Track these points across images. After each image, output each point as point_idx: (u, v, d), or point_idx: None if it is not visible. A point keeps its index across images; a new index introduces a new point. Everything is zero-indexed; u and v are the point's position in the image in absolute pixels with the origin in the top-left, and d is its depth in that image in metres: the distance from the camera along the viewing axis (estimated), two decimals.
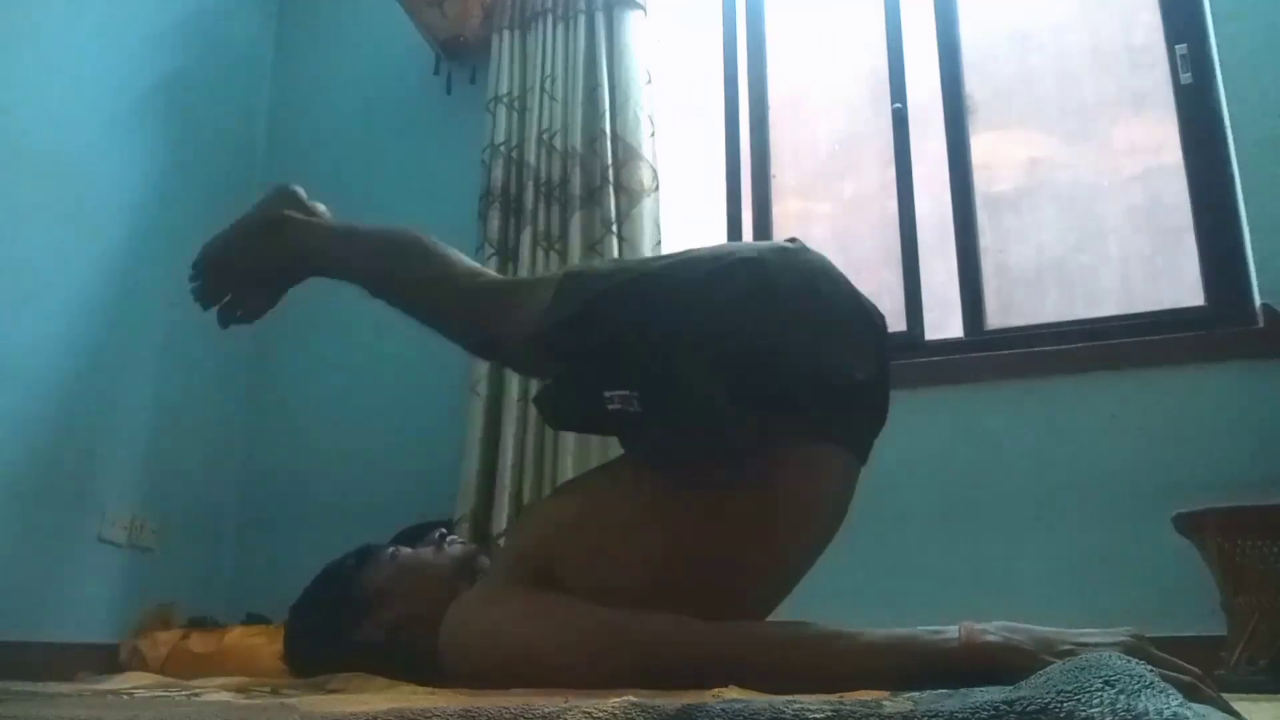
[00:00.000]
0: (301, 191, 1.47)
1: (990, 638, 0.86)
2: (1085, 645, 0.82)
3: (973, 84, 2.42)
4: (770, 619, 1.16)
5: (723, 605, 1.04)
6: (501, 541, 2.18)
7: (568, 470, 2.22)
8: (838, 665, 0.91)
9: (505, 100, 2.62)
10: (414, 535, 1.38)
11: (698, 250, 1.20)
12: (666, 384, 1.06)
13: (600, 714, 0.61)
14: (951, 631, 0.89)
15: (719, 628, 0.99)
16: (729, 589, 1.10)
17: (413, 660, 1.14)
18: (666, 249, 2.43)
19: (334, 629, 1.24)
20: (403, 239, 1.35)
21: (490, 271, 1.39)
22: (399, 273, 1.33)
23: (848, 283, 1.19)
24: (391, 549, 1.31)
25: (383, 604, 1.24)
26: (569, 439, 2.26)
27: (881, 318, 1.21)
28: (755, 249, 1.18)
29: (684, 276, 1.13)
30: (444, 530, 1.36)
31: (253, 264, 1.43)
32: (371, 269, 1.37)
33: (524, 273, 2.43)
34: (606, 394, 1.06)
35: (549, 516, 1.29)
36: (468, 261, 1.32)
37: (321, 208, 1.47)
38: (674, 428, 1.07)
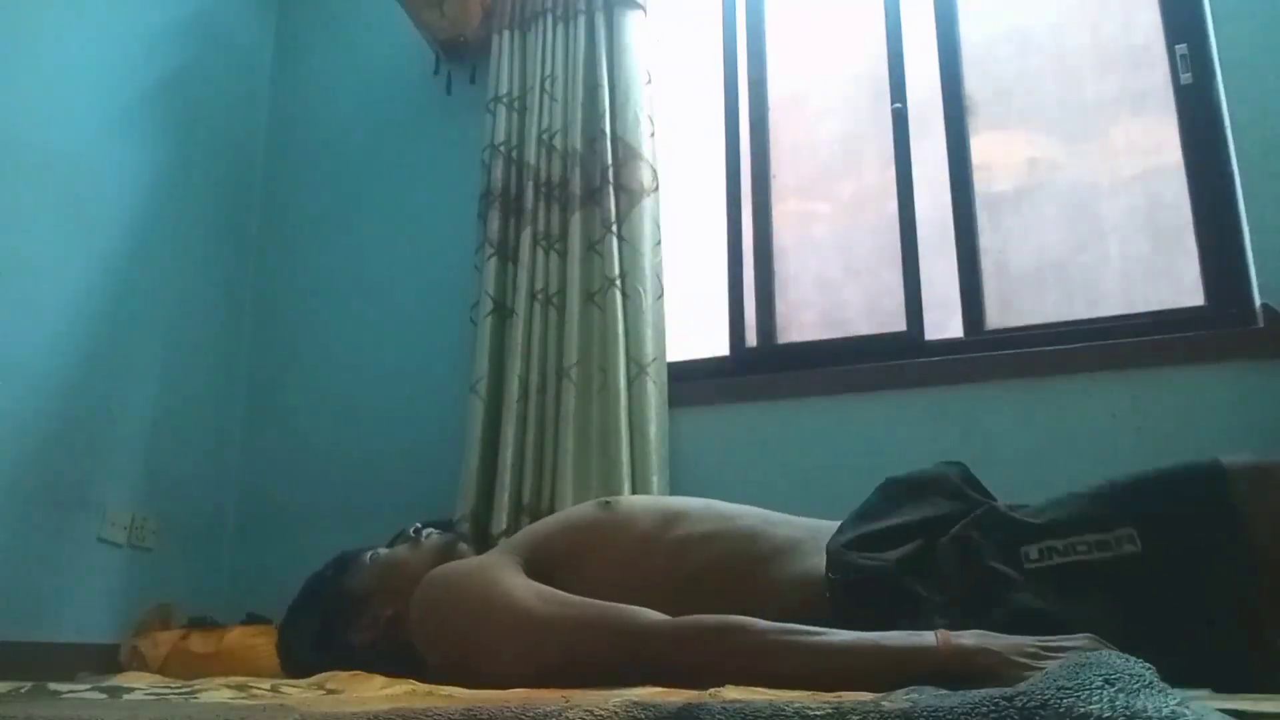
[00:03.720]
0: None
1: (965, 641, 0.87)
2: (1050, 647, 0.84)
3: (973, 84, 2.42)
4: None
5: None
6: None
7: (567, 470, 2.22)
8: (819, 661, 0.92)
9: (505, 100, 2.62)
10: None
11: None
12: None
13: (601, 713, 0.61)
14: (928, 637, 0.89)
15: (695, 622, 1.00)
16: None
17: (405, 655, 1.14)
18: (666, 249, 2.44)
19: (325, 639, 1.24)
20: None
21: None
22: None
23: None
24: (370, 552, 1.32)
25: (369, 606, 1.24)
26: (569, 439, 2.25)
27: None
28: None
29: None
30: (419, 525, 1.36)
31: None
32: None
33: (524, 274, 2.43)
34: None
35: (556, 526, 1.31)
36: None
37: None
38: None
